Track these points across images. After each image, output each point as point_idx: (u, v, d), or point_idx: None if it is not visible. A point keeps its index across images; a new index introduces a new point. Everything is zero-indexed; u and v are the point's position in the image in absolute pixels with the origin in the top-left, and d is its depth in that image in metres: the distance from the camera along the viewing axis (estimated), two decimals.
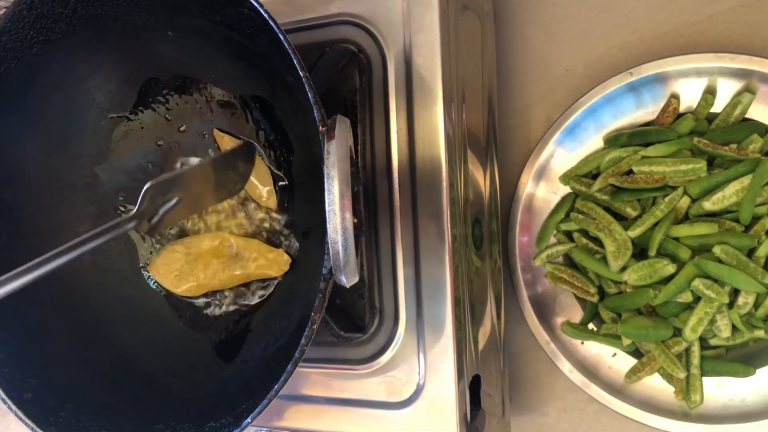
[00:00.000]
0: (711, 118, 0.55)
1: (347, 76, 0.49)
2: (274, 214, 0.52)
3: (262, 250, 0.51)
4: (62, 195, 0.53)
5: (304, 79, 0.38)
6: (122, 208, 0.55)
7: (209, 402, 0.47)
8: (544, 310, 0.60)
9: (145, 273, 0.55)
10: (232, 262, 0.52)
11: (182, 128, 0.53)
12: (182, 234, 0.55)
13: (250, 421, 0.40)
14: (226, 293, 0.53)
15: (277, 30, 0.39)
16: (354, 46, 0.50)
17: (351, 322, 0.49)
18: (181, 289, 0.53)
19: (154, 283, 0.55)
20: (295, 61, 0.38)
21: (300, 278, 0.51)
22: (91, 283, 0.53)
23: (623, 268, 0.55)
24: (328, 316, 0.49)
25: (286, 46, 0.38)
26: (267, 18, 0.39)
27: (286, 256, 0.51)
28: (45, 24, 0.47)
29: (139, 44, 0.51)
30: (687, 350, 0.55)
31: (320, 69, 0.49)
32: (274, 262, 0.51)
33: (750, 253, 0.52)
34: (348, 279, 0.37)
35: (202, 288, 0.53)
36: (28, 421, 0.45)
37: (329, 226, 0.35)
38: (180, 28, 0.49)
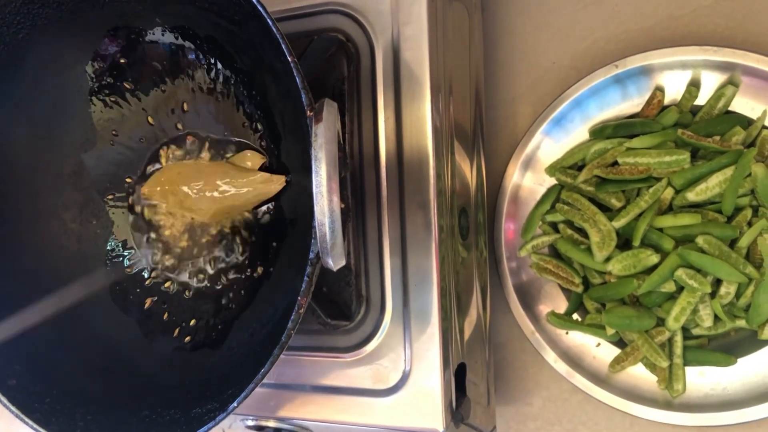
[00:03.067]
0: (695, 110, 0.56)
1: (335, 65, 0.49)
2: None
3: (256, 174, 0.50)
4: (48, 182, 0.53)
5: (292, 64, 0.38)
6: (110, 197, 0.55)
7: (195, 388, 0.47)
8: (530, 300, 0.61)
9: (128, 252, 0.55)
10: (229, 190, 0.51)
11: (170, 115, 0.53)
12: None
13: (236, 405, 0.40)
14: (209, 269, 0.53)
15: (266, 16, 0.39)
16: (342, 35, 0.50)
17: (338, 309, 0.50)
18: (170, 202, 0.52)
19: (138, 269, 0.55)
20: (283, 47, 0.38)
21: (287, 266, 0.51)
22: (76, 270, 0.53)
23: (608, 259, 0.55)
24: (314, 303, 0.49)
25: (275, 32, 0.38)
26: (256, 3, 0.39)
27: (279, 177, 0.50)
28: (32, 9, 0.46)
29: (128, 31, 0.50)
30: (670, 340, 0.56)
31: (308, 57, 0.49)
32: (268, 182, 0.50)
33: (732, 243, 0.52)
34: (335, 262, 0.37)
35: (214, 214, 0.52)
36: (12, 407, 0.45)
37: (316, 208, 0.35)
38: (168, 15, 0.49)
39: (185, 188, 0.52)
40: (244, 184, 0.50)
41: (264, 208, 0.52)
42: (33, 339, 0.49)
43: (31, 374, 0.47)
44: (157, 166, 0.54)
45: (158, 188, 0.53)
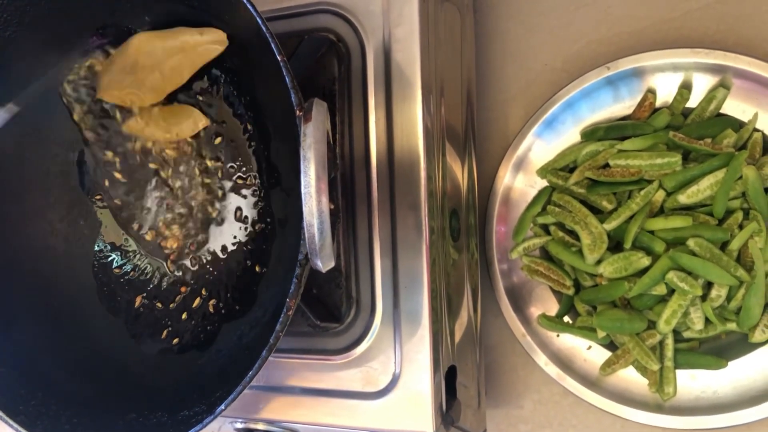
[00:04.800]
0: (686, 112, 0.56)
1: (326, 65, 0.49)
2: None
3: (191, 33, 0.49)
4: (35, 182, 0.53)
5: (281, 63, 0.37)
6: (98, 197, 0.54)
7: (183, 390, 0.47)
8: (521, 302, 0.61)
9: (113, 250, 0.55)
10: (170, 55, 0.49)
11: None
12: None
13: (223, 408, 0.39)
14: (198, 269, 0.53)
15: (255, 15, 0.39)
16: (333, 35, 0.50)
17: (327, 311, 0.49)
18: (138, 103, 0.51)
19: (123, 263, 0.54)
20: (273, 45, 0.38)
21: (277, 268, 0.50)
22: (63, 271, 0.53)
23: (599, 261, 0.55)
24: (304, 305, 0.49)
25: (265, 31, 0.38)
26: (246, 3, 0.39)
27: (219, 31, 0.48)
28: (20, 6, 0.46)
29: (117, 29, 0.50)
30: (661, 343, 0.55)
31: (299, 57, 0.49)
32: (210, 39, 0.49)
33: (723, 246, 0.52)
34: (324, 264, 0.37)
35: (157, 93, 0.51)
36: None
37: (305, 209, 0.35)
38: (157, 14, 0.49)
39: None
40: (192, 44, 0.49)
41: (254, 212, 0.51)
42: (18, 340, 0.49)
43: (16, 376, 0.47)
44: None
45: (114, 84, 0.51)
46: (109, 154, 0.54)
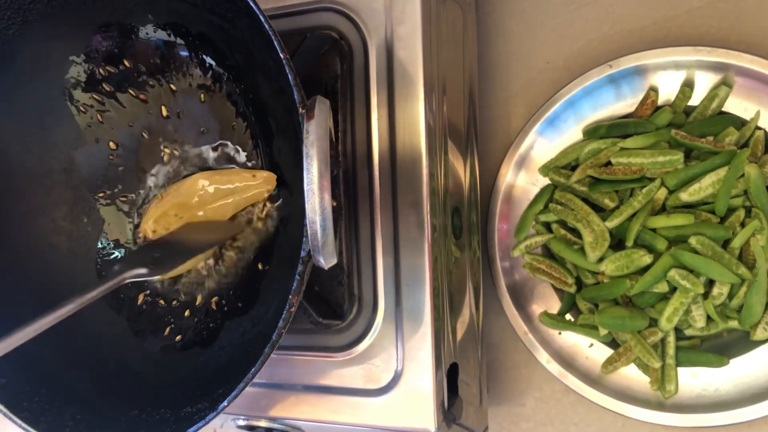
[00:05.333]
0: (689, 110, 0.56)
1: (328, 63, 0.49)
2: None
3: (244, 177, 0.50)
4: (38, 179, 0.53)
5: (284, 61, 0.38)
6: (101, 194, 0.55)
7: (185, 387, 0.47)
8: (522, 300, 0.61)
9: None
10: (218, 197, 0.51)
11: (164, 113, 0.53)
12: None
13: (226, 405, 0.40)
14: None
15: (258, 13, 0.39)
16: (335, 32, 0.50)
17: (329, 309, 0.49)
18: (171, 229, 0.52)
19: None
20: (275, 43, 0.38)
21: (279, 265, 0.50)
22: (66, 268, 0.53)
23: (600, 259, 0.55)
24: (306, 302, 0.49)
25: (267, 29, 0.38)
26: (249, 1, 0.39)
27: (268, 172, 0.50)
28: (23, 4, 0.46)
29: (119, 27, 0.50)
30: (662, 340, 0.56)
31: (301, 54, 0.49)
32: (260, 182, 0.50)
33: (725, 244, 0.52)
34: (326, 260, 0.37)
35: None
36: (0, 406, 0.44)
37: (307, 206, 0.35)
38: (160, 12, 0.49)
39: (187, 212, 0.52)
40: (242, 188, 0.50)
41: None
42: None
43: (19, 373, 0.47)
44: (150, 178, 0.54)
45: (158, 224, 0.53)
46: (111, 144, 0.54)
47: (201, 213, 0.51)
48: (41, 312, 0.50)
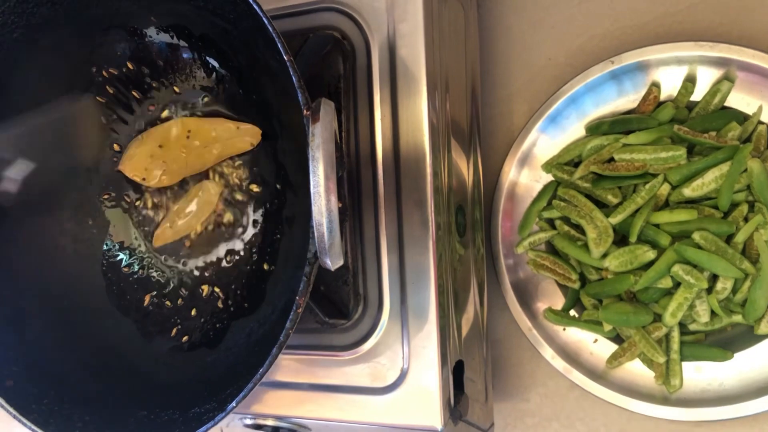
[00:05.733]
0: (691, 106, 0.56)
1: (331, 63, 0.49)
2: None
3: (228, 126, 0.50)
4: (44, 182, 0.53)
5: (288, 63, 0.38)
6: (106, 196, 0.55)
7: (193, 388, 0.47)
8: (527, 297, 0.61)
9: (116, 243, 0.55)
10: (202, 145, 0.51)
11: (164, 114, 0.53)
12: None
13: (234, 405, 0.40)
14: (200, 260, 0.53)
15: (261, 14, 0.39)
16: (338, 32, 0.50)
17: (335, 308, 0.49)
18: (152, 181, 0.52)
19: (131, 262, 0.55)
20: (279, 45, 0.38)
21: (285, 266, 0.50)
22: (72, 270, 0.53)
23: (604, 255, 0.55)
24: (312, 302, 0.49)
25: (270, 30, 0.38)
26: (251, 2, 0.39)
27: (255, 128, 0.50)
28: (26, 8, 0.46)
29: (123, 29, 0.50)
30: (667, 335, 0.56)
31: (304, 55, 0.49)
32: (244, 134, 0.50)
33: (728, 239, 0.53)
34: (333, 262, 0.37)
35: (174, 176, 0.52)
36: (10, 408, 0.45)
37: (314, 209, 0.35)
38: (163, 14, 0.49)
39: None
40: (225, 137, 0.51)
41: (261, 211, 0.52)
42: (30, 340, 0.49)
43: (28, 375, 0.47)
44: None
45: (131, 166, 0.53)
46: (116, 147, 0.54)
47: (182, 159, 0.51)
48: (48, 314, 0.51)
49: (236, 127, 0.50)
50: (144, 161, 0.52)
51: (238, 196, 0.52)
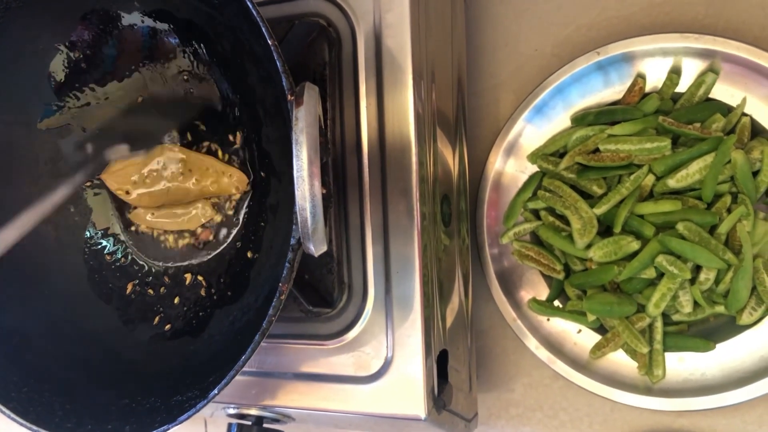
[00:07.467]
0: (676, 97, 0.56)
1: (316, 50, 0.49)
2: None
3: (218, 168, 0.51)
4: (24, 169, 0.52)
5: (272, 48, 0.37)
6: (87, 184, 0.54)
7: (176, 376, 0.47)
8: (511, 287, 0.61)
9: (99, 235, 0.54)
10: (187, 177, 0.51)
11: (146, 102, 0.53)
12: None
13: (217, 392, 0.40)
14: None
15: None
16: (324, 20, 0.49)
17: (319, 297, 0.49)
18: (132, 197, 0.52)
19: (114, 249, 0.54)
20: (264, 30, 0.38)
21: (269, 254, 0.50)
22: (54, 258, 0.52)
23: (589, 246, 0.55)
24: (296, 290, 0.49)
25: (255, 15, 0.38)
26: None
27: (243, 175, 0.50)
28: None
29: (104, 14, 0.50)
30: (650, 326, 0.56)
31: (289, 42, 0.49)
32: (231, 181, 0.50)
33: (712, 230, 0.53)
34: (317, 248, 0.37)
35: (154, 199, 0.52)
36: None
37: (297, 193, 0.35)
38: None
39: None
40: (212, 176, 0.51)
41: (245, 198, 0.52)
42: (10, 327, 0.49)
43: (7, 363, 0.47)
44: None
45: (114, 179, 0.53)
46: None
47: (164, 188, 0.52)
48: (29, 302, 0.50)
49: (224, 173, 0.51)
50: (127, 178, 0.52)
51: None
